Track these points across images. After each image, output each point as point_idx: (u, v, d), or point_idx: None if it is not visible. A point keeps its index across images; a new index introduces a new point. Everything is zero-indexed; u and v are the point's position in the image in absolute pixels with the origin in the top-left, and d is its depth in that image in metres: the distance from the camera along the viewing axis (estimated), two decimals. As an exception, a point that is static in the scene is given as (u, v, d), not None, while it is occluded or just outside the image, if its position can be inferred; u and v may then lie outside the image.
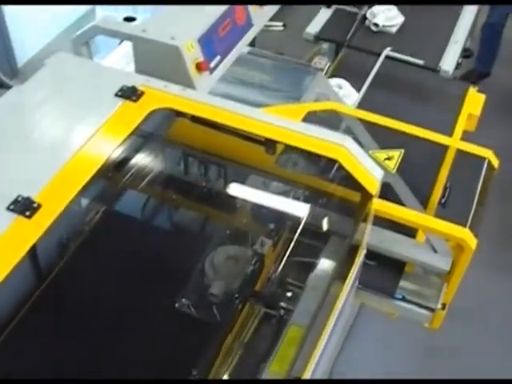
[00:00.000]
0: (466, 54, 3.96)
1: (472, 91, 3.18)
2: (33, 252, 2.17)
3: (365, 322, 3.42)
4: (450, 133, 2.88)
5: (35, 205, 1.92)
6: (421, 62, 3.38)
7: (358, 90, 3.11)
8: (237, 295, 2.21)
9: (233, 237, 2.46)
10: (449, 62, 3.42)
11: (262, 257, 2.32)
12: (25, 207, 1.91)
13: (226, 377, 2.12)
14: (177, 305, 2.21)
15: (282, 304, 2.27)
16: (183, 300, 2.21)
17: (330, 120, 2.80)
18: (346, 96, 3.06)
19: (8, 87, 4.10)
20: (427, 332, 2.79)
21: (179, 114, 2.34)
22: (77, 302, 2.26)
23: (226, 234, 2.44)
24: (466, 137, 2.93)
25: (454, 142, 2.83)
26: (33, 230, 1.89)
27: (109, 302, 2.24)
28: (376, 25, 3.59)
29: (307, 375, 2.06)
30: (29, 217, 1.90)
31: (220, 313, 2.20)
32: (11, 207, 1.91)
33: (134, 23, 2.61)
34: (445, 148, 2.81)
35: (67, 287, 2.31)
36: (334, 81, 3.14)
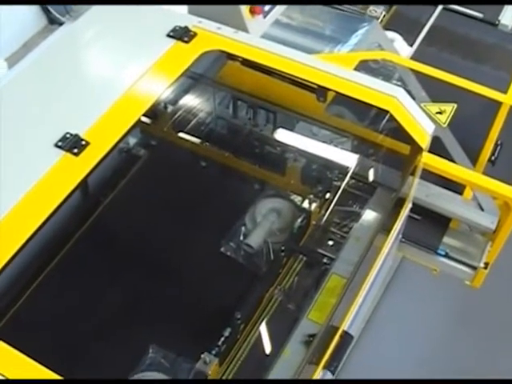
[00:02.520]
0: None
1: (531, 47, 3.10)
2: (79, 189, 2.19)
3: (406, 276, 3.41)
4: (505, 89, 2.81)
5: (83, 142, 1.93)
6: (479, 14, 3.29)
7: (411, 44, 3.05)
8: (283, 248, 2.22)
9: (279, 186, 2.47)
10: (509, 15, 3.32)
11: (309, 214, 2.33)
12: (73, 144, 1.92)
13: (264, 324, 2.15)
14: (222, 249, 2.23)
15: (325, 253, 2.27)
16: (229, 244, 2.23)
17: (382, 70, 2.76)
18: (398, 50, 3.00)
19: (60, 24, 4.12)
20: (467, 289, 2.77)
21: (231, 56, 2.32)
22: (121, 240, 2.29)
23: (274, 183, 2.43)
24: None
25: (509, 99, 2.77)
26: (80, 168, 1.90)
27: (154, 239, 2.27)
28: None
29: (345, 325, 2.06)
30: (76, 154, 1.91)
31: (266, 265, 2.22)
32: (59, 144, 1.92)
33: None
34: (498, 104, 2.75)
35: (112, 225, 2.34)
36: (387, 34, 3.07)
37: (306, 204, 2.36)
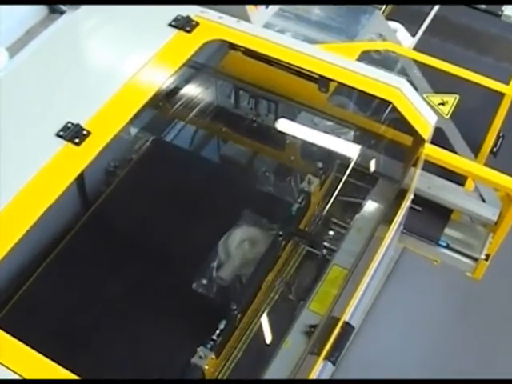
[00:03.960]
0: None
1: (534, 38, 3.09)
2: (80, 179, 2.18)
3: (407, 267, 3.41)
4: (507, 80, 2.80)
5: (84, 132, 1.93)
6: (482, 5, 3.27)
7: (414, 35, 3.03)
8: (280, 232, 2.21)
9: (280, 174, 2.46)
10: (512, 6, 3.31)
11: (309, 195, 2.30)
12: (74, 134, 1.92)
13: (264, 315, 2.14)
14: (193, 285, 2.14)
15: (326, 243, 2.27)
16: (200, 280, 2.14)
17: (384, 61, 2.74)
18: (400, 41, 2.98)
19: (61, 13, 4.10)
20: (468, 280, 2.77)
21: (233, 46, 2.32)
22: (121, 230, 2.28)
23: (251, 207, 2.29)
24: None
25: (511, 90, 2.76)
26: (81, 158, 1.90)
27: (151, 230, 2.26)
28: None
29: (346, 316, 2.06)
30: (78, 144, 1.91)
31: (263, 249, 2.20)
32: (60, 134, 1.93)
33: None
34: (501, 96, 2.74)
35: (112, 215, 2.33)
36: (389, 24, 3.06)
37: (307, 194, 2.34)
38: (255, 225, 2.24)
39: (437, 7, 3.16)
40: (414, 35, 3.02)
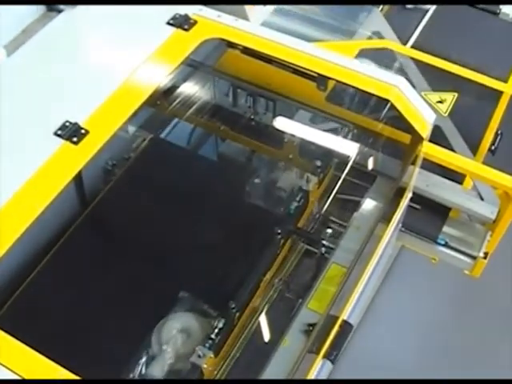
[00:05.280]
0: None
1: (532, 36, 3.08)
2: (78, 178, 2.18)
3: (405, 264, 3.41)
4: (505, 78, 2.81)
5: (83, 131, 1.93)
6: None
7: (411, 33, 3.02)
8: (279, 231, 2.21)
9: (278, 171, 2.46)
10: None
11: (307, 193, 2.30)
12: (72, 133, 1.92)
13: (263, 313, 2.14)
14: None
15: (324, 242, 2.27)
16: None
17: (382, 59, 2.74)
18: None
19: (59, 11, 4.09)
20: (466, 278, 2.77)
21: (231, 44, 2.32)
22: (118, 229, 2.28)
23: (189, 293, 2.11)
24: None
25: (509, 88, 2.76)
26: (79, 156, 1.89)
27: (150, 229, 2.25)
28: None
29: (345, 315, 2.06)
30: (76, 143, 1.90)
31: (261, 246, 2.19)
32: (58, 132, 1.92)
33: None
34: (499, 93, 2.74)
35: (110, 213, 2.33)
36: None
37: (305, 192, 2.34)
38: (193, 311, 2.09)
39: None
40: (412, 33, 3.00)
